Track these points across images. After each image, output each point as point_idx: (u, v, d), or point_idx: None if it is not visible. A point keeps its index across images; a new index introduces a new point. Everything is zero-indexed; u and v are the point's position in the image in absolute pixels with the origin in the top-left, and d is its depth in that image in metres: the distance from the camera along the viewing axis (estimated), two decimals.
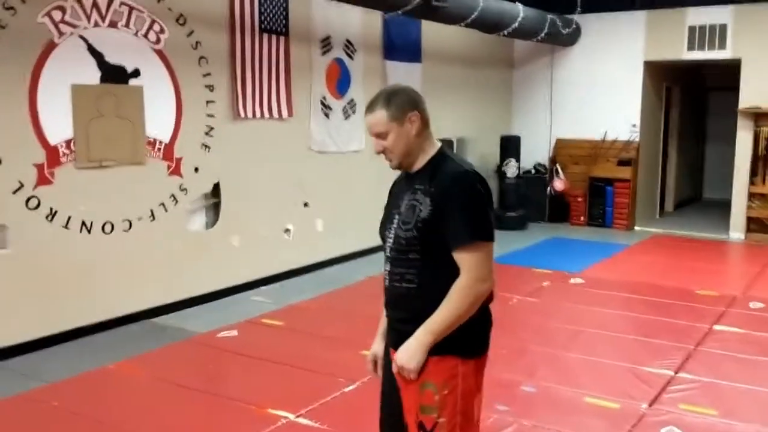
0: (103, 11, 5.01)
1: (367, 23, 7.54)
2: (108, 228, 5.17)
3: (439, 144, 2.32)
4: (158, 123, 5.45)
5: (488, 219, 2.17)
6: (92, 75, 4.99)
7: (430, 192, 2.18)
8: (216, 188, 5.99)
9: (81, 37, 4.89)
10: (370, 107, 2.26)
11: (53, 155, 4.79)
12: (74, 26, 4.84)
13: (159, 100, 5.44)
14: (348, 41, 7.35)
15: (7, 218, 4.56)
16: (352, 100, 7.48)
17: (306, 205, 6.96)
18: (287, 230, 6.76)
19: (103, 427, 3.62)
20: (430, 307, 2.13)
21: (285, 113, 6.58)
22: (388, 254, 2.29)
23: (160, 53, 5.43)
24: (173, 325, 5.38)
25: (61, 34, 4.76)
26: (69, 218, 4.91)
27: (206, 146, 5.86)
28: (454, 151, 8.58)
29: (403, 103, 2.23)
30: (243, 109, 6.14)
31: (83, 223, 5.00)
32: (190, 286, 5.78)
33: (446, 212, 2.14)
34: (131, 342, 4.98)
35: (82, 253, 5.01)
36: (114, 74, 5.13)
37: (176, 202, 5.66)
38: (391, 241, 2.27)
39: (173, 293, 5.67)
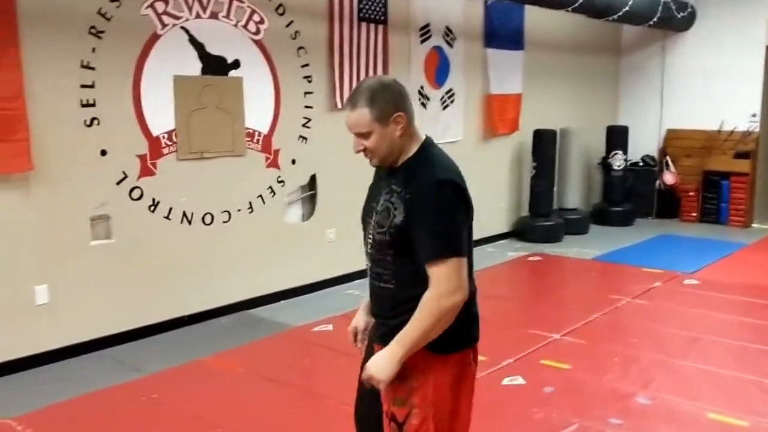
0: (205, 2, 5.00)
1: (468, 10, 7.29)
2: (208, 219, 5.18)
3: (422, 139, 2.18)
4: (257, 114, 5.43)
5: (458, 232, 2.06)
6: (194, 66, 5.00)
7: (405, 198, 2.07)
8: (312, 180, 5.93)
9: (183, 28, 4.90)
10: (353, 103, 2.10)
11: (156, 146, 4.83)
12: (177, 18, 4.85)
13: (258, 91, 5.41)
14: (447, 29, 7.12)
15: (111, 208, 4.63)
16: (450, 90, 7.25)
17: None
18: None
19: (198, 422, 3.59)
20: (409, 305, 2.06)
21: None
22: (368, 251, 2.21)
23: (259, 44, 5.39)
24: (269, 317, 5.36)
25: (163, 25, 4.79)
26: (170, 209, 4.95)
27: (303, 138, 5.80)
28: (557, 143, 8.22)
29: (388, 103, 2.08)
30: (340, 100, 6.03)
31: (184, 214, 5.03)
32: (285, 278, 5.75)
33: (416, 223, 2.04)
34: (227, 334, 4.98)
35: (183, 243, 5.04)
36: (215, 65, 5.12)
37: (274, 194, 5.63)
38: (370, 239, 2.19)
39: (269, 285, 5.65)
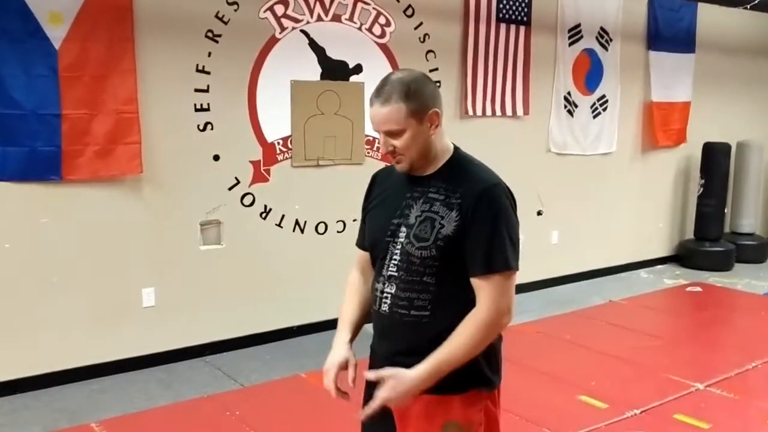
0: (327, 4, 4.83)
1: (628, 8, 6.57)
2: (322, 228, 5.02)
3: (452, 145, 1.92)
4: None
5: (518, 243, 1.82)
6: (313, 71, 4.85)
7: (457, 204, 1.79)
8: None
9: (303, 31, 4.76)
10: (383, 98, 1.79)
11: (270, 152, 4.73)
12: (297, 21, 4.73)
13: None
14: (602, 29, 6.46)
15: (222, 214, 4.58)
16: (603, 96, 6.58)
17: (539, 213, 6.25)
18: None
19: None
20: (441, 339, 1.77)
21: (520, 111, 5.95)
22: (392, 274, 1.86)
23: (384, 47, 5.14)
24: None
25: (282, 29, 4.67)
26: (283, 216, 4.83)
27: None
28: (731, 158, 7.26)
29: (425, 97, 1.81)
30: (472, 107, 5.64)
31: (297, 222, 4.90)
32: None
33: (475, 230, 1.77)
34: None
35: (294, 252, 4.91)
36: (335, 70, 4.94)
37: None
38: (397, 259, 1.85)
39: None
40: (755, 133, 7.83)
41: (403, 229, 1.85)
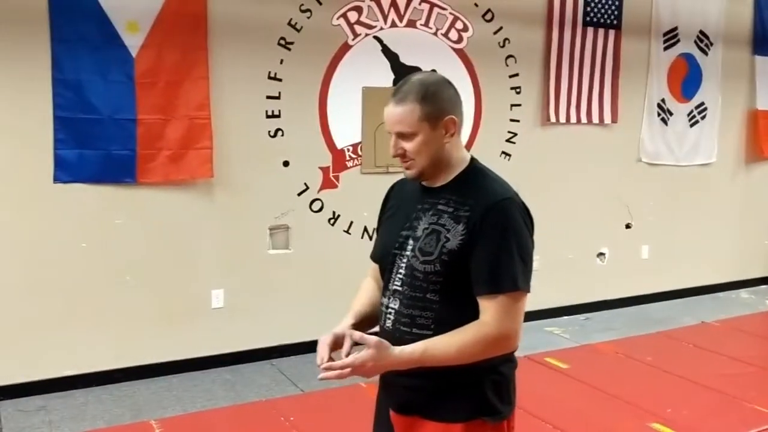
0: (402, 10, 4.78)
1: (731, 10, 6.15)
2: None
3: (469, 156, 1.80)
4: None
5: (530, 262, 1.69)
6: (385, 77, 4.81)
7: (465, 217, 1.68)
8: None
9: (376, 38, 4.73)
10: (399, 97, 1.70)
11: (339, 159, 4.72)
12: (370, 27, 4.70)
13: None
14: (702, 33, 6.07)
15: (290, 219, 4.62)
16: (701, 104, 6.17)
17: (628, 226, 5.92)
18: (601, 254, 5.83)
19: None
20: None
21: (608, 118, 5.67)
22: (397, 288, 1.76)
23: (460, 53, 5.03)
24: None
25: (355, 35, 4.67)
26: (351, 223, 4.81)
27: (506, 154, 5.30)
28: None
29: (443, 102, 1.71)
30: (555, 113, 5.42)
31: (365, 229, 4.86)
32: None
33: (481, 245, 1.64)
34: None
35: (362, 259, 4.84)
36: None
37: None
38: (402, 273, 1.75)
39: None
40: None
41: (411, 241, 1.76)
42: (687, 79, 6.08)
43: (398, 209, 1.88)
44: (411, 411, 1.75)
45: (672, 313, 5.81)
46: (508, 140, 5.29)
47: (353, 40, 4.66)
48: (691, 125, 6.17)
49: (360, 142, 4.76)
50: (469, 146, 5.14)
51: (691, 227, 6.25)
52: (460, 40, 5.02)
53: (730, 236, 6.51)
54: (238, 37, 4.31)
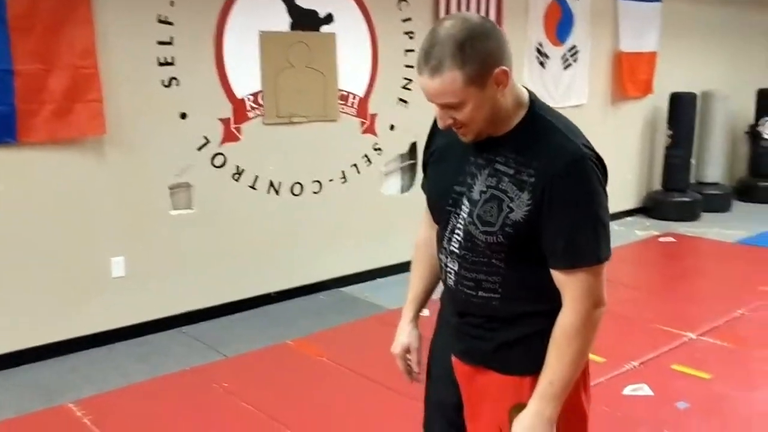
0: None
1: None
2: (297, 189, 4.77)
3: (526, 94, 1.56)
4: (352, 75, 4.92)
5: (608, 226, 1.52)
6: (282, 21, 4.55)
7: (530, 183, 1.47)
8: (413, 148, 5.36)
9: None
10: (432, 65, 1.40)
11: (240, 109, 4.44)
12: None
13: (353, 48, 4.90)
14: None
15: (191, 176, 4.30)
16: (573, 47, 6.45)
17: None
18: None
19: (262, 419, 3.19)
20: (519, 323, 1.58)
21: None
22: (455, 250, 1.61)
23: None
24: (363, 298, 4.91)
25: None
26: (256, 177, 4.57)
27: (403, 101, 5.24)
28: (697, 108, 7.23)
29: (486, 56, 1.41)
30: None
31: (271, 184, 4.65)
32: (384, 255, 5.25)
33: (555, 218, 1.46)
34: (317, 314, 4.58)
35: (269, 215, 4.66)
36: (305, 20, 4.65)
37: (370, 162, 5.13)
38: (460, 236, 1.59)
39: (365, 262, 5.20)
40: (719, 83, 7.85)
41: (466, 202, 1.57)
42: (561, 23, 6.31)
43: (446, 152, 1.67)
44: (476, 360, 1.65)
45: None
46: (404, 87, 5.23)
47: None
48: (565, 68, 6.44)
49: (261, 91, 4.49)
50: (368, 94, 5.03)
51: None
52: None
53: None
54: None
